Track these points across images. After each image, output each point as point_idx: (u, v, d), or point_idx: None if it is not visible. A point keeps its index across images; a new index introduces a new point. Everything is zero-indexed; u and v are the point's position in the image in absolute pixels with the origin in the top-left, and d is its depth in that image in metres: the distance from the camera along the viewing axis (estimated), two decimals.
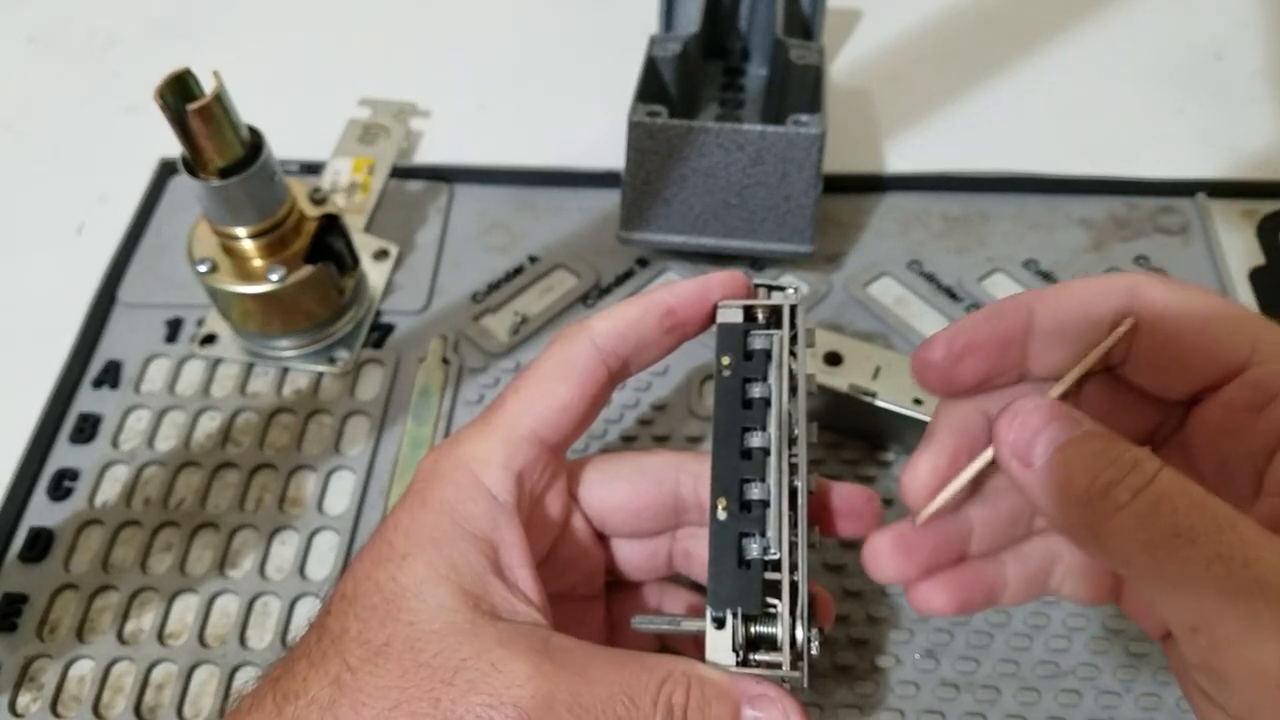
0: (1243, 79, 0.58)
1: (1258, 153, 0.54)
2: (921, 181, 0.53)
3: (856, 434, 0.43)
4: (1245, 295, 0.48)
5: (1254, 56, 0.59)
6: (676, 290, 0.30)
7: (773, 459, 0.28)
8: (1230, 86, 0.58)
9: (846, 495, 0.31)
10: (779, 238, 0.47)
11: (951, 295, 0.48)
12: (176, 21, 0.64)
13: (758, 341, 0.29)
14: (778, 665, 0.26)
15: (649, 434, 0.44)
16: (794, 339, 0.29)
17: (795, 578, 0.26)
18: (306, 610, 0.40)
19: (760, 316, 0.30)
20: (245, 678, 0.38)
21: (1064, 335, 0.26)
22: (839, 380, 0.40)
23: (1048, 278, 0.48)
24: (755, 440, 0.28)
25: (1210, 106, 0.57)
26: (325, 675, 0.25)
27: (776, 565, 0.27)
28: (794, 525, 0.27)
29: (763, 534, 0.27)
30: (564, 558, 0.32)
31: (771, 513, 0.27)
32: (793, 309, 0.29)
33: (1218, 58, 0.59)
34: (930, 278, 0.49)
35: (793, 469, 0.28)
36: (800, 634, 0.26)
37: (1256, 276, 0.48)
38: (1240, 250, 0.49)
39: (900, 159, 0.55)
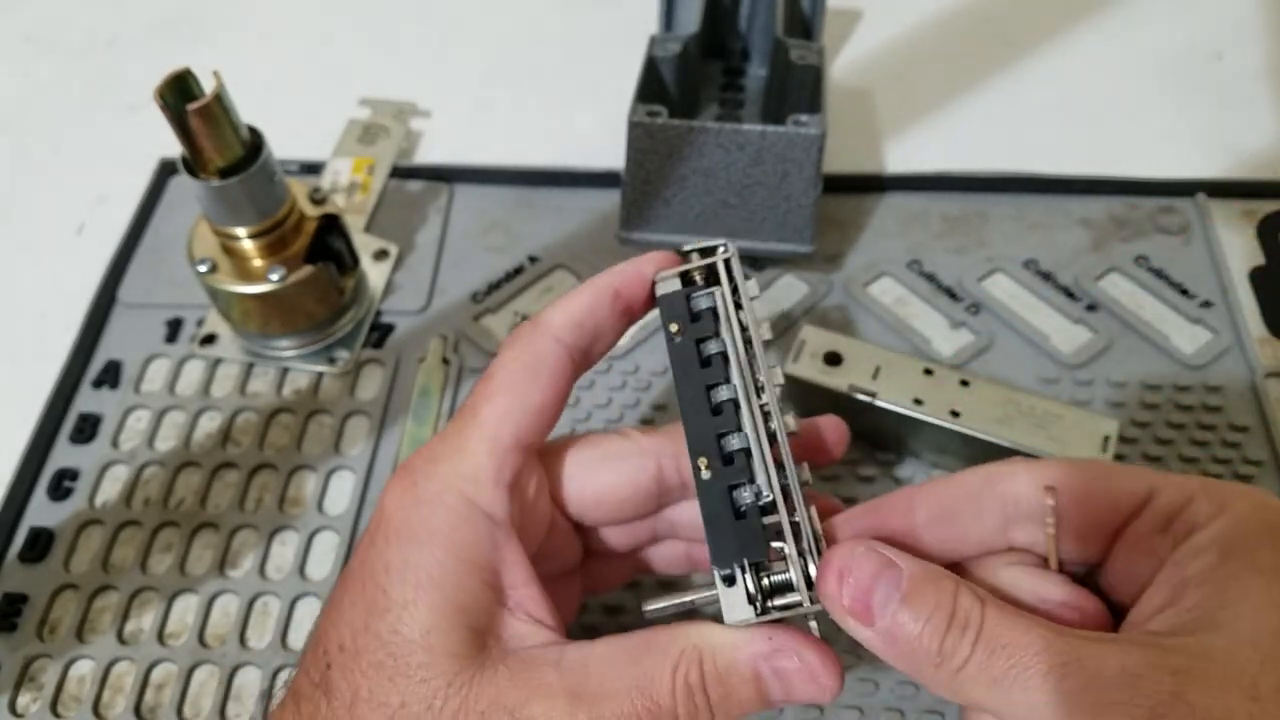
0: (1243, 79, 0.58)
1: (1258, 153, 0.54)
2: (921, 181, 0.53)
3: (857, 434, 0.42)
4: (1245, 295, 0.47)
5: (1254, 56, 0.59)
6: (616, 273, 0.30)
7: (744, 407, 0.27)
8: (1230, 86, 0.58)
9: (830, 425, 0.32)
10: (779, 238, 0.47)
11: (951, 295, 0.48)
12: (176, 21, 0.64)
13: (701, 302, 0.29)
14: (798, 604, 0.26)
15: None
16: (735, 291, 0.29)
17: (795, 518, 0.26)
18: (306, 610, 0.40)
19: (699, 279, 0.29)
20: (245, 678, 0.38)
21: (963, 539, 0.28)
22: (839, 380, 0.40)
23: (1048, 278, 0.48)
24: (722, 394, 0.28)
25: (1210, 106, 0.57)
26: None
27: (772, 508, 0.26)
28: (781, 466, 0.27)
29: (751, 481, 0.27)
30: (548, 550, 0.31)
31: (755, 459, 0.27)
32: (727, 262, 0.29)
33: (1218, 58, 0.59)
34: (930, 278, 0.49)
35: (765, 414, 0.27)
36: (813, 569, 0.26)
37: (1256, 276, 0.48)
38: (1240, 250, 0.49)
39: (900, 159, 0.55)
